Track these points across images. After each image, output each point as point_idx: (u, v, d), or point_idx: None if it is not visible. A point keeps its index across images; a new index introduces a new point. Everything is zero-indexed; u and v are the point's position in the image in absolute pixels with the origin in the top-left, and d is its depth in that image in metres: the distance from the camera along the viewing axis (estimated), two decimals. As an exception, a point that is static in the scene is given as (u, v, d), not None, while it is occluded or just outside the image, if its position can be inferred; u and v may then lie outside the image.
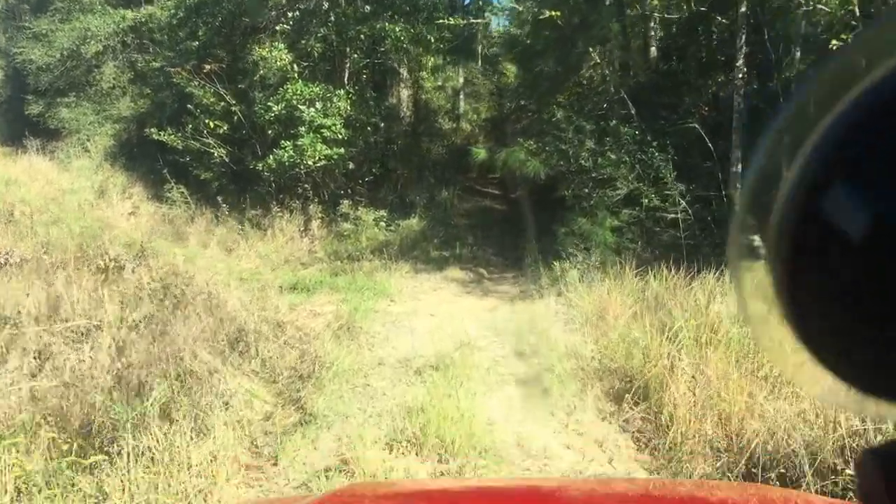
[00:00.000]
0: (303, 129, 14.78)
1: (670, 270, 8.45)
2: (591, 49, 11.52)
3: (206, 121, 17.30)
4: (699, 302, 6.97)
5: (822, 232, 0.43)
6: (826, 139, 0.43)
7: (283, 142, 14.94)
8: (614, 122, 10.98)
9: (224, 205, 17.39)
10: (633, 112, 11.40)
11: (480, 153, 13.16)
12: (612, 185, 10.81)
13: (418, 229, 14.00)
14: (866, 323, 0.43)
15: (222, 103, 17.03)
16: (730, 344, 5.60)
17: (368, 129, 15.56)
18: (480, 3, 30.37)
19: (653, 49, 12.72)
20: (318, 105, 14.92)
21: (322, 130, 14.76)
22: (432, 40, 14.97)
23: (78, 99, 23.91)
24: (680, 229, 9.74)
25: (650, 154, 10.57)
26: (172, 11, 18.86)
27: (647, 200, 10.43)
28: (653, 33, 12.71)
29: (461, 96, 29.67)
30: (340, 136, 14.90)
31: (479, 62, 32.21)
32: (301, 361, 6.96)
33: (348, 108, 15.12)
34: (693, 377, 5.23)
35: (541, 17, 11.03)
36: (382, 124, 15.85)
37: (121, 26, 23.25)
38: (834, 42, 8.42)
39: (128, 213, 19.42)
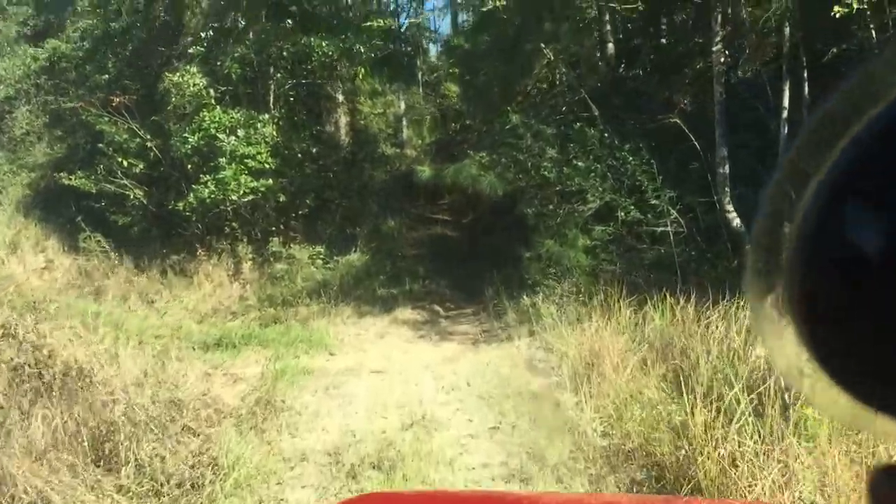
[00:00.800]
0: (223, 160, 12.74)
1: (668, 297, 6.57)
2: (542, 46, 9.68)
3: (119, 160, 15.16)
4: (731, 343, 5.03)
5: (838, 249, 0.42)
6: (843, 157, 0.42)
7: (202, 176, 12.88)
8: (578, 124, 9.11)
9: (144, 252, 15.33)
10: (595, 114, 9.59)
11: (425, 171, 11.03)
12: (581, 198, 8.97)
13: (361, 265, 12.01)
14: (883, 341, 0.41)
15: (136, 139, 14.92)
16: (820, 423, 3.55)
17: (300, 156, 13.55)
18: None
19: (610, 45, 10.96)
20: (241, 133, 12.92)
21: (246, 161, 12.75)
22: (363, 50, 13.02)
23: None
24: (670, 244, 7.88)
25: (623, 159, 8.76)
26: (77, 44, 16.68)
27: (623, 213, 8.59)
28: (609, 27, 10.97)
29: (403, 122, 27.88)
30: (268, 167, 12.90)
31: (420, 88, 30.61)
32: (195, 462, 4.92)
33: (275, 134, 13.14)
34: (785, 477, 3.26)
35: (484, 8, 9.16)
36: (316, 150, 13.82)
37: (31, 67, 20.91)
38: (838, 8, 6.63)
39: (40, 267, 17.20)
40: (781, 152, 7.24)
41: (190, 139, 13.05)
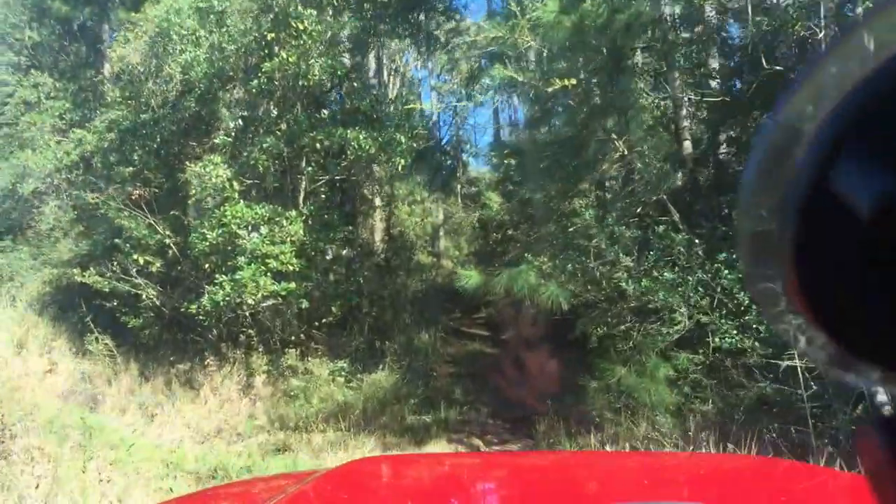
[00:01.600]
0: (243, 259, 11.13)
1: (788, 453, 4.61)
2: (613, 137, 8.03)
3: (135, 257, 13.65)
4: None
5: (831, 204, 0.42)
6: (837, 116, 0.42)
7: (218, 276, 11.24)
8: (661, 227, 7.33)
9: (154, 359, 13.66)
10: (675, 218, 7.83)
11: (472, 277, 9.15)
12: (663, 317, 7.09)
13: (389, 385, 10.10)
14: (872, 292, 0.42)
15: (156, 236, 13.41)
16: None
17: (329, 259, 11.90)
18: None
19: (687, 142, 9.32)
20: (264, 230, 11.34)
21: (268, 261, 11.11)
22: (402, 141, 11.50)
23: (14, 242, 20.31)
24: (799, 385, 5.83)
25: (716, 272, 6.92)
26: (104, 135, 15.46)
27: (719, 339, 6.67)
28: (685, 122, 9.35)
29: (440, 232, 26.46)
30: (292, 268, 11.25)
31: (459, 199, 29.32)
32: None
33: (302, 233, 11.53)
34: None
35: (550, 88, 7.55)
36: (346, 252, 12.17)
37: (63, 161, 19.82)
38: None
39: (44, 371, 15.51)
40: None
41: (208, 235, 11.51)
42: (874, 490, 0.46)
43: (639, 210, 7.93)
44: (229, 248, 11.38)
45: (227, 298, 11.07)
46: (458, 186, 30.36)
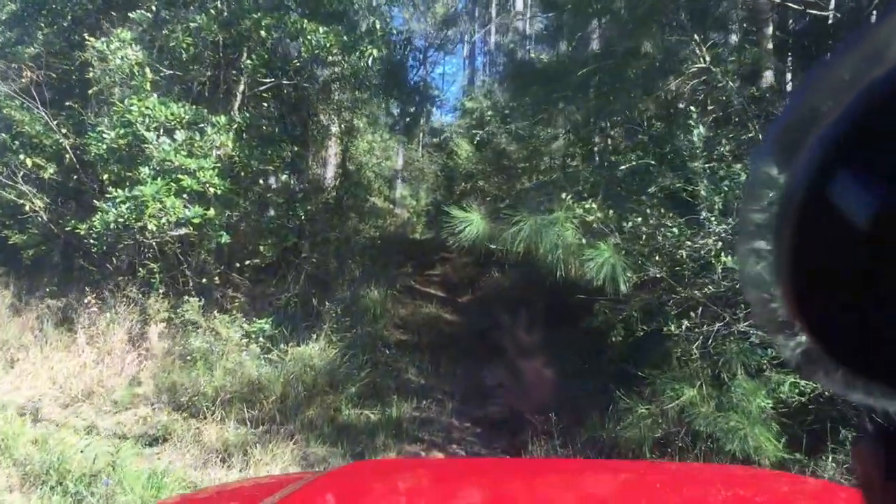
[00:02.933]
0: (147, 171, 8.10)
1: None
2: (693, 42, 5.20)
3: (23, 158, 10.48)
4: None
5: (827, 217, 0.41)
6: (835, 128, 0.41)
7: (114, 190, 8.20)
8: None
9: (32, 287, 10.66)
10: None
11: (472, 222, 5.81)
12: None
13: (322, 363, 7.11)
14: (866, 307, 0.41)
15: (53, 136, 10.24)
16: None
17: (261, 184, 8.89)
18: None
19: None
20: (180, 136, 8.28)
21: (181, 177, 8.10)
22: (372, 53, 8.52)
23: None
24: None
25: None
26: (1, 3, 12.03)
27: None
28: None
29: (398, 180, 23.54)
30: (214, 190, 8.26)
31: (420, 148, 26.32)
32: None
33: (231, 147, 8.51)
34: None
35: None
36: (287, 180, 9.16)
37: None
38: None
39: None
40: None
41: (107, 135, 8.43)
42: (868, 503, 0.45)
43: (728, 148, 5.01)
44: (133, 154, 8.32)
45: (123, 220, 8.05)
46: (421, 134, 27.39)
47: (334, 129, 13.24)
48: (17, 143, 11.17)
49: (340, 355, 7.18)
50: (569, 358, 7.44)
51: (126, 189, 8.13)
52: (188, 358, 7.33)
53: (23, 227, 11.01)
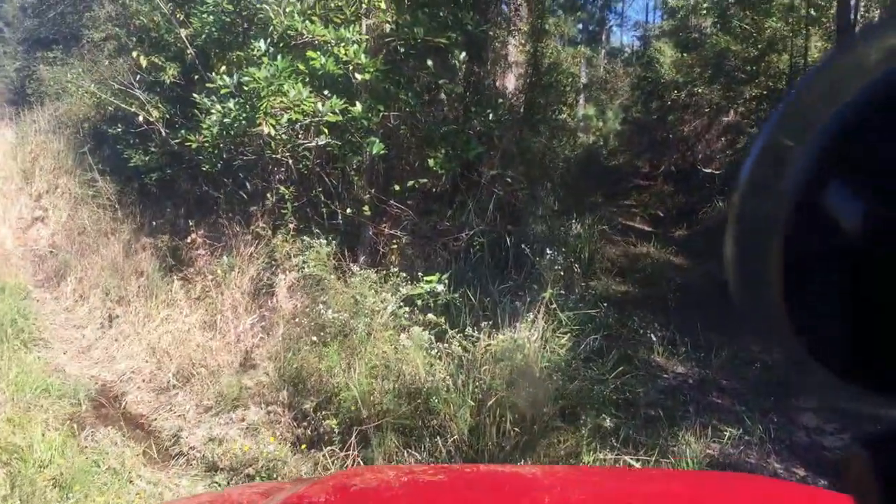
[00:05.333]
0: (261, 45, 5.12)
1: None
2: None
3: (135, 55, 7.96)
4: None
5: (819, 227, 0.40)
6: (824, 138, 0.40)
7: (217, 76, 5.30)
8: None
9: (153, 217, 8.23)
10: None
11: None
12: None
13: (545, 361, 3.78)
14: (861, 317, 0.40)
15: (174, 29, 7.60)
16: None
17: (430, 67, 5.61)
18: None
19: None
20: None
21: (312, 54, 5.06)
22: None
23: (64, 55, 14.91)
24: None
25: None
26: None
27: None
28: None
29: (581, 98, 19.74)
30: (361, 76, 5.17)
31: (603, 59, 22.35)
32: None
33: (384, 9, 5.36)
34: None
35: None
36: (467, 59, 5.81)
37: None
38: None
39: (32, 218, 10.26)
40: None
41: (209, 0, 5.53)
42: None
43: None
44: (239, 21, 5.37)
45: (228, 121, 5.17)
46: (602, 49, 23.36)
47: (519, 23, 9.88)
48: (133, 39, 8.66)
49: (573, 344, 3.93)
50: None
51: (233, 76, 5.20)
52: (321, 333, 4.33)
53: (139, 144, 8.54)
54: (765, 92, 13.08)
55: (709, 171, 13.35)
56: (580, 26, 20.61)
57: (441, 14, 5.48)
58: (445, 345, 3.80)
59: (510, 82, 10.19)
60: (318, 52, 5.12)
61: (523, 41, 10.36)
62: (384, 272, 4.64)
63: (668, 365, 4.96)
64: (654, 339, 5.17)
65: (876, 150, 0.38)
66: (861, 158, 0.39)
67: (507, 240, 5.46)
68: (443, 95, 5.98)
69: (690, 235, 11.30)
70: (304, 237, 5.59)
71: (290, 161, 6.15)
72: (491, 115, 5.78)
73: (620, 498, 1.56)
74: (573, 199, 9.67)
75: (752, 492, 1.60)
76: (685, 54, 14.30)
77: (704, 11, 14.23)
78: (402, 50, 5.52)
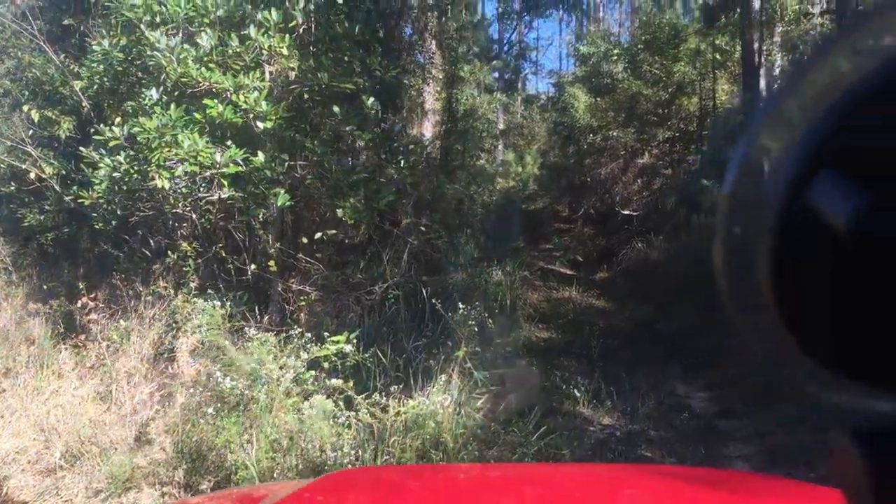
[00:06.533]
0: (153, 93, 4.76)
1: None
2: None
3: (27, 108, 7.48)
4: None
5: (808, 221, 0.39)
6: (813, 131, 0.39)
7: (106, 129, 4.91)
8: None
9: (48, 279, 7.70)
10: None
11: None
12: None
13: (461, 427, 3.43)
14: (851, 309, 0.40)
15: (68, 81, 7.15)
16: None
17: (337, 113, 5.31)
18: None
19: None
20: (207, 39, 4.90)
21: (209, 102, 4.73)
22: None
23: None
24: None
25: None
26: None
27: None
28: None
29: (499, 144, 19.82)
30: (264, 124, 4.86)
31: (519, 106, 22.63)
32: None
33: (287, 55, 5.07)
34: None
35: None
36: (377, 104, 5.54)
37: None
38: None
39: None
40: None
41: (97, 47, 5.15)
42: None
43: None
44: (132, 70, 5.01)
45: (118, 175, 4.77)
46: (519, 96, 23.66)
47: (434, 70, 9.77)
48: (25, 93, 8.15)
49: (491, 405, 3.62)
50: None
51: (124, 126, 4.82)
52: (219, 404, 3.92)
53: (41, 203, 7.97)
54: (677, 134, 13.37)
55: (627, 212, 13.47)
56: (496, 74, 20.85)
57: (346, 59, 5.23)
58: (353, 412, 3.44)
59: (427, 129, 10.04)
60: (216, 101, 4.80)
61: (439, 88, 10.28)
62: (287, 333, 4.27)
63: (594, 417, 4.72)
64: (578, 393, 4.93)
65: (865, 144, 0.38)
66: (849, 153, 0.38)
67: (424, 291, 5.17)
68: (356, 143, 5.70)
69: (611, 278, 11.27)
70: (201, 298, 5.17)
71: (194, 215, 5.75)
72: (403, 162, 5.53)
73: (625, 494, 1.53)
74: (494, 245, 9.50)
75: (751, 489, 1.58)
76: (598, 99, 14.52)
77: (615, 57, 14.54)
78: (306, 97, 5.24)
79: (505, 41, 23.77)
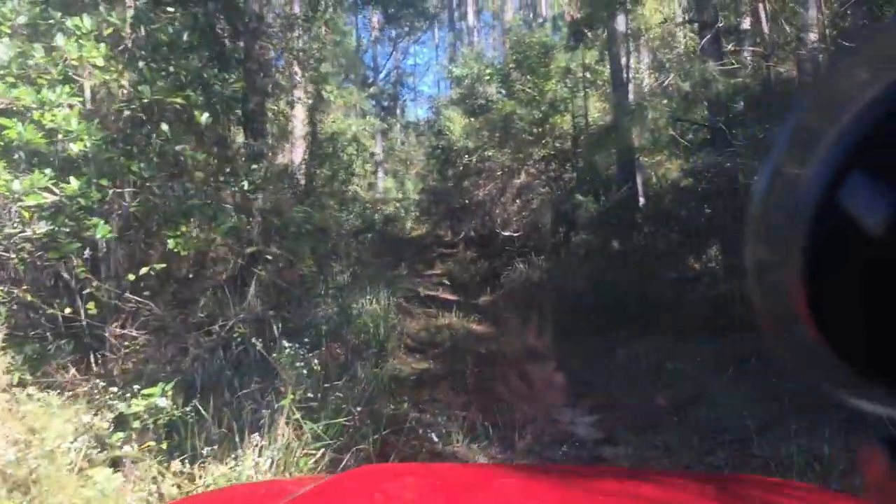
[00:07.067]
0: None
1: None
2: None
3: None
4: None
5: (840, 222, 0.37)
6: (846, 131, 0.38)
7: None
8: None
9: None
10: None
11: None
12: None
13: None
14: (884, 313, 0.37)
15: None
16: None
17: (164, 131, 4.67)
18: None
19: None
20: (5, 49, 4.19)
21: (6, 122, 4.01)
22: None
23: None
24: None
25: None
26: None
27: None
28: None
29: (378, 171, 19.40)
30: (78, 145, 4.18)
31: (399, 132, 22.27)
32: None
33: (103, 65, 4.41)
34: None
35: None
36: (211, 118, 4.93)
37: None
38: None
39: None
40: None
41: None
42: None
43: None
44: None
45: None
46: (398, 124, 23.32)
47: (300, 93, 9.25)
48: None
49: (330, 461, 3.08)
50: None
51: None
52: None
53: None
54: (552, 152, 13.31)
55: (507, 233, 13.29)
56: (373, 102, 20.44)
57: (173, 69, 4.63)
58: (154, 486, 2.82)
59: (298, 156, 9.49)
60: (15, 120, 4.09)
61: (308, 114, 9.76)
62: (92, 387, 3.60)
63: (468, 455, 4.26)
64: (451, 429, 4.47)
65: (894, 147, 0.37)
66: (884, 156, 0.37)
67: (275, 328, 4.58)
68: (188, 163, 5.07)
69: (493, 301, 10.97)
70: (32, 343, 4.40)
71: (11, 254, 4.95)
72: (246, 185, 4.94)
73: (626, 498, 1.52)
74: (372, 274, 8.99)
75: (755, 493, 1.56)
76: (473, 120, 14.34)
77: (488, 77, 14.45)
78: (128, 113, 4.59)
79: (381, 68, 23.53)
